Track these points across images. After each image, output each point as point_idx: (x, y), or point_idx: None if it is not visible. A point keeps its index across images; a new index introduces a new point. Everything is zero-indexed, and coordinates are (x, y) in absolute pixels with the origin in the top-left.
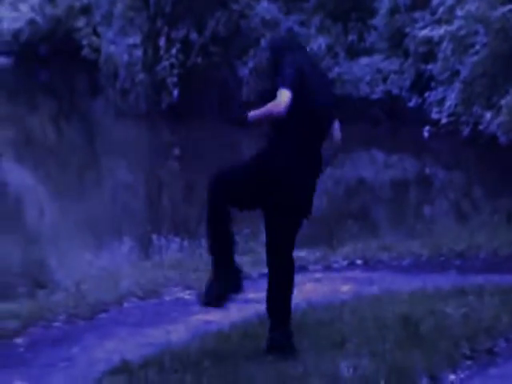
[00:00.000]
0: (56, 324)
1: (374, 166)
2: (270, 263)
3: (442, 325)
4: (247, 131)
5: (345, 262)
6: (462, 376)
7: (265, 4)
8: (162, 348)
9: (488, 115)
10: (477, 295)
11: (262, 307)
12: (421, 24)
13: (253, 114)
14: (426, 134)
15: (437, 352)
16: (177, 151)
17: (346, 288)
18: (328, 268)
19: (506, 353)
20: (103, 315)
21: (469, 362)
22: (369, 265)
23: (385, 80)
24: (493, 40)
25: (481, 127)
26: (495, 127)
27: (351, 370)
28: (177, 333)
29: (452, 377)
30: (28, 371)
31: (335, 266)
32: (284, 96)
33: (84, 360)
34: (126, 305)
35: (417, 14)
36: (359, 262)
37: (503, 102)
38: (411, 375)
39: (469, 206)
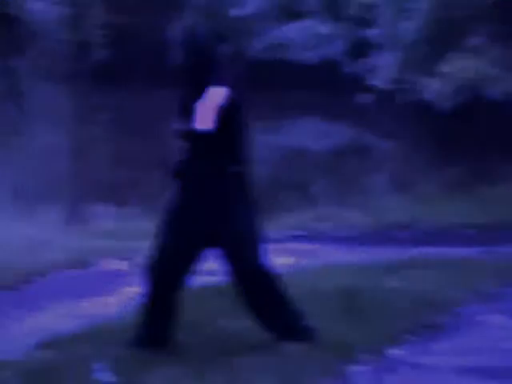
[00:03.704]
0: None
1: (310, 133)
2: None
3: (385, 298)
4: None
5: (284, 234)
6: (404, 351)
7: None
8: (95, 321)
9: (426, 82)
10: (419, 268)
11: (199, 279)
12: None
13: None
14: (363, 101)
15: (378, 327)
16: (104, 115)
17: (284, 260)
18: (265, 239)
19: (449, 327)
20: (31, 286)
21: (411, 337)
22: (309, 236)
23: (321, 44)
24: (432, 5)
25: (418, 94)
26: (433, 94)
27: (291, 344)
28: (108, 305)
29: (394, 352)
30: None
31: (273, 237)
32: None
33: (8, 333)
34: (53, 275)
35: None
36: (299, 233)
37: (441, 69)
38: (351, 350)
39: (409, 177)
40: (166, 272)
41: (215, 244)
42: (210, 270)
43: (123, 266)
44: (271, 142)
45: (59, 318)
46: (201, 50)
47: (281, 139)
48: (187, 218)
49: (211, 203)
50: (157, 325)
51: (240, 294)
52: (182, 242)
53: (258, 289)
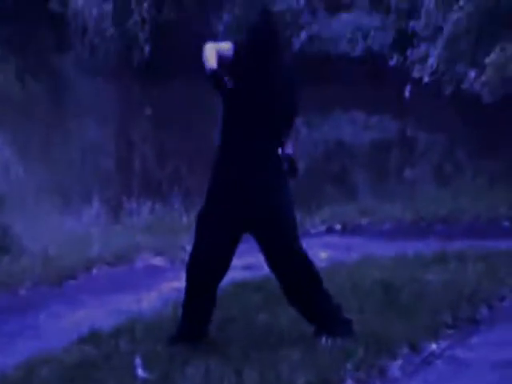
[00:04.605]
0: (21, 291)
1: (354, 127)
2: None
3: (424, 292)
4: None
5: (323, 228)
6: (443, 345)
7: None
8: (133, 316)
9: (472, 73)
10: (459, 261)
11: (239, 274)
12: None
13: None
14: (407, 94)
15: (418, 320)
16: (148, 111)
17: (323, 255)
18: (305, 234)
19: (488, 320)
20: (71, 282)
21: (450, 331)
22: (348, 230)
23: (365, 37)
24: None
25: (464, 86)
26: (479, 86)
27: (329, 339)
28: (148, 301)
29: (433, 346)
30: None
31: (312, 231)
32: None
33: (51, 329)
34: (95, 271)
35: None
36: (338, 227)
37: (488, 59)
38: (391, 344)
39: (451, 169)
40: (203, 264)
41: (252, 228)
42: (247, 265)
43: (163, 261)
44: (314, 135)
45: (99, 313)
46: (271, 33)
47: (324, 132)
48: (224, 201)
49: (251, 185)
50: (194, 320)
51: (278, 280)
52: (220, 228)
53: (296, 274)
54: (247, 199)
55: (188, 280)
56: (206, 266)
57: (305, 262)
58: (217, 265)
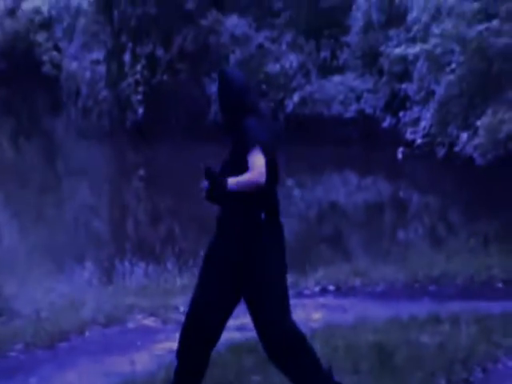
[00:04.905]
0: (12, 354)
1: (347, 189)
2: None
3: (417, 354)
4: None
5: (317, 288)
6: None
7: (234, 19)
8: (126, 379)
9: (464, 136)
10: (453, 323)
11: (233, 335)
12: (395, 42)
13: (233, 184)
14: (400, 156)
15: (412, 383)
16: (141, 172)
17: (317, 316)
18: (299, 294)
19: (482, 383)
20: (64, 344)
21: None
22: (341, 291)
23: (358, 99)
24: (469, 59)
25: (457, 148)
26: (471, 148)
27: None
28: (141, 362)
29: None
30: None
31: (306, 292)
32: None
33: None
34: (87, 333)
35: (391, 32)
36: (331, 288)
37: (479, 122)
38: None
39: (444, 230)
40: (198, 326)
41: (244, 295)
42: (241, 326)
43: (155, 322)
44: (307, 196)
45: (91, 375)
46: (240, 94)
47: (317, 193)
48: (219, 268)
49: (243, 253)
50: (187, 381)
51: (263, 347)
52: (214, 292)
53: (280, 345)
54: (234, 265)
55: (182, 339)
56: (201, 326)
57: (289, 336)
58: (211, 325)
